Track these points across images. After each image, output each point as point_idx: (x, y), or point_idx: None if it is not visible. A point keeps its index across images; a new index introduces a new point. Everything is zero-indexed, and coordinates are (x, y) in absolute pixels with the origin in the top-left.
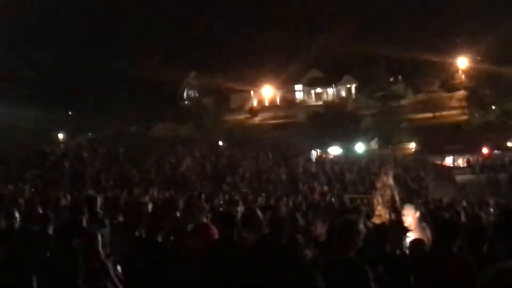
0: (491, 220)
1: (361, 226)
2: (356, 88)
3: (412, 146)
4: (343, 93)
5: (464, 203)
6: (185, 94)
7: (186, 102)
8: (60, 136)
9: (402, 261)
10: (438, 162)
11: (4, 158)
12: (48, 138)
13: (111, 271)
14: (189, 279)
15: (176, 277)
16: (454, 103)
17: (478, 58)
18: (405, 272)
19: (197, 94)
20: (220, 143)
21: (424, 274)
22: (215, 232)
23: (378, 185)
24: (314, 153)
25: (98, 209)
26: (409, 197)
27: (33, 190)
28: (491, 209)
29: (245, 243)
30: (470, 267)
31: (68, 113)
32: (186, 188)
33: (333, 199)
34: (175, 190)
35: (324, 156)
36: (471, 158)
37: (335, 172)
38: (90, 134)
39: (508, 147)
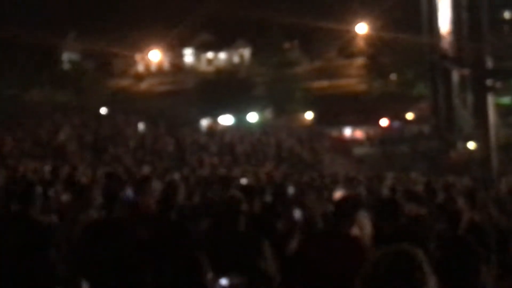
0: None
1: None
2: (249, 53)
3: (309, 116)
4: (236, 59)
5: (361, 178)
6: (63, 57)
7: (65, 66)
8: None
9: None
10: (336, 133)
11: None
12: None
13: None
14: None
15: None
16: (352, 71)
17: (377, 24)
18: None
19: (77, 58)
20: (102, 110)
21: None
22: None
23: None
24: (204, 123)
25: None
26: (302, 171)
27: None
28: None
29: None
30: (360, 248)
31: None
32: (65, 159)
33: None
34: (52, 161)
35: (214, 126)
36: (370, 130)
37: (226, 143)
38: None
39: (407, 119)
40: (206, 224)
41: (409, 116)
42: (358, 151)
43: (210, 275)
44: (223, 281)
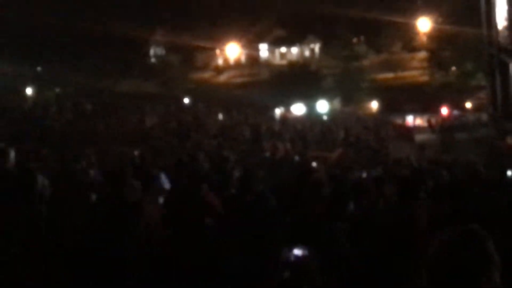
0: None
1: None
2: (319, 48)
3: (374, 105)
4: (307, 53)
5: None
6: (151, 51)
7: (152, 60)
8: (28, 91)
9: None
10: (399, 121)
11: None
12: (17, 93)
13: None
14: None
15: None
16: (415, 64)
17: (439, 20)
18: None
19: (163, 52)
20: (185, 100)
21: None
22: None
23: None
24: (277, 111)
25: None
26: (370, 157)
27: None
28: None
29: None
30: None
31: (36, 68)
32: (151, 144)
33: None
34: (141, 146)
35: (287, 114)
36: (431, 118)
37: (298, 130)
38: (57, 90)
39: (467, 108)
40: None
41: (468, 105)
42: (420, 137)
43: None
44: (296, 251)
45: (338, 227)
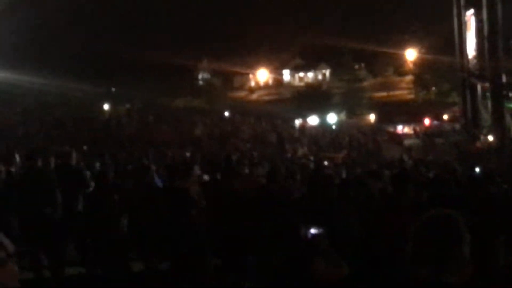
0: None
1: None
2: (329, 72)
3: (372, 117)
4: (320, 77)
5: (410, 161)
6: (199, 76)
7: (200, 82)
8: (105, 106)
9: None
10: (391, 129)
11: (62, 122)
12: (96, 108)
13: None
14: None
15: None
16: (403, 85)
17: (422, 50)
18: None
19: (208, 76)
20: (226, 113)
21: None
22: None
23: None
24: (297, 122)
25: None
26: (368, 156)
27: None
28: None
29: None
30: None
31: (111, 88)
32: (199, 147)
33: (311, 158)
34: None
35: (304, 124)
36: (416, 127)
37: (312, 136)
38: (127, 105)
39: (444, 119)
40: (302, 192)
41: (445, 117)
42: (407, 142)
43: (303, 228)
44: (312, 230)
45: (348, 209)
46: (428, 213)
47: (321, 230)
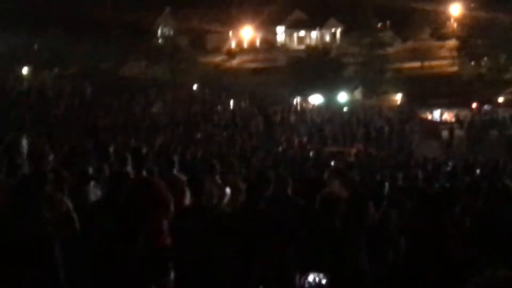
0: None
1: None
2: (341, 32)
3: (398, 97)
4: (328, 38)
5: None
6: (159, 32)
7: (159, 41)
8: (24, 71)
9: None
10: (425, 115)
11: None
12: (12, 72)
13: None
14: None
15: None
16: (444, 53)
17: (472, 5)
18: None
19: (171, 33)
20: (194, 87)
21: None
22: None
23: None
24: (295, 102)
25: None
26: (391, 153)
27: None
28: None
29: None
30: None
31: (34, 45)
32: (157, 133)
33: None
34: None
35: (304, 105)
36: (460, 113)
37: (315, 123)
38: (56, 70)
39: (499, 103)
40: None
41: (500, 100)
42: (447, 134)
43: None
44: (310, 278)
45: (357, 244)
46: (482, 277)
47: (322, 276)
